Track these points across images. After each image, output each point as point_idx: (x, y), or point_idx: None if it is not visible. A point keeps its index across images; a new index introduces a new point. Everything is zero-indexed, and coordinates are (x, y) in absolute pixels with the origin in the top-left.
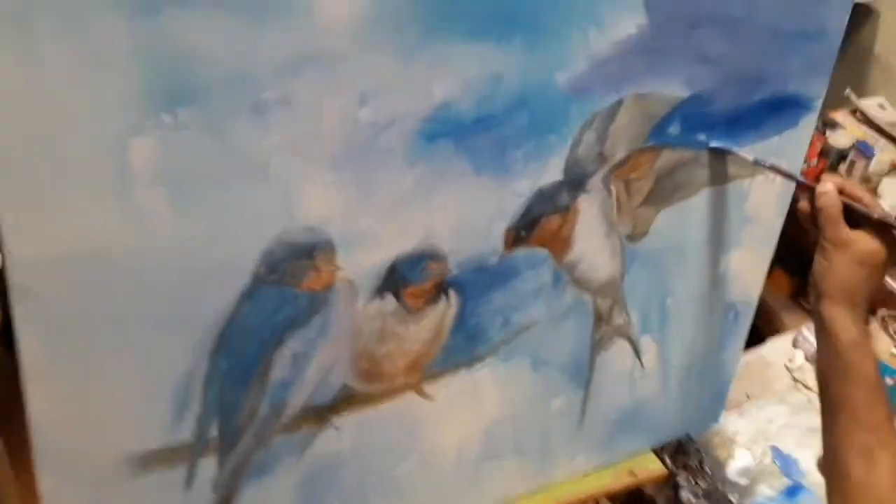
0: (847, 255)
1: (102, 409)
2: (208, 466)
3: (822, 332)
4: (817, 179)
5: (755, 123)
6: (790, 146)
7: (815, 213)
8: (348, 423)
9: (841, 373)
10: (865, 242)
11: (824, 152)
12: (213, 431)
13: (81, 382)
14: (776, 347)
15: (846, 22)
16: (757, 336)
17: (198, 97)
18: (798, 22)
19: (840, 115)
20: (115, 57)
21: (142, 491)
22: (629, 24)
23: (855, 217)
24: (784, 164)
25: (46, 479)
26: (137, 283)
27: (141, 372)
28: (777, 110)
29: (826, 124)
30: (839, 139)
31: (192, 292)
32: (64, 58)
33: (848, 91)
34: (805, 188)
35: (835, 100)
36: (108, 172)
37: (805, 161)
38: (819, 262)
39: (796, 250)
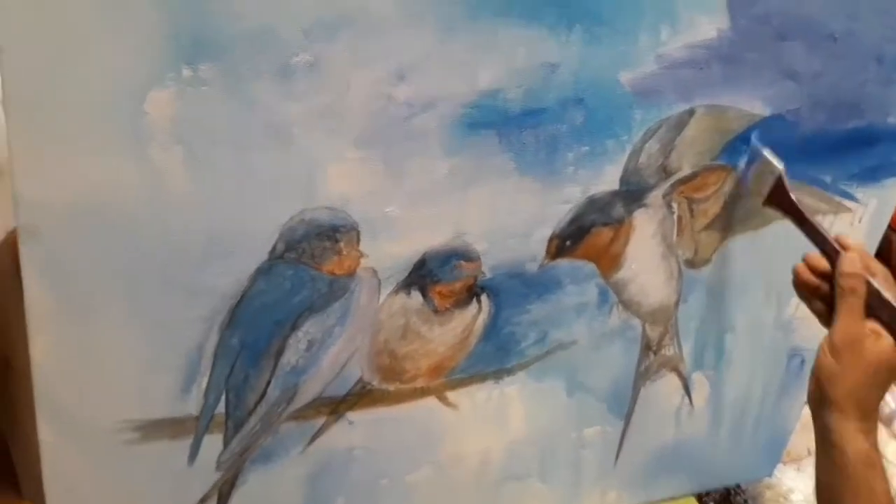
0: (862, 357)
1: (107, 369)
2: (213, 444)
3: (827, 444)
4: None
5: (840, 158)
6: (878, 195)
7: (829, 287)
8: (363, 419)
9: (850, 495)
10: (884, 343)
11: None
12: (220, 408)
13: (86, 338)
14: None
15: None
16: None
17: (221, 53)
18: None
19: None
20: (138, 1)
21: (143, 459)
22: (709, 26)
23: (871, 302)
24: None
25: (45, 432)
26: (148, 241)
27: (149, 336)
28: (868, 146)
29: None
30: None
31: (205, 260)
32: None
33: None
34: (827, 252)
35: None
36: (125, 123)
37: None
38: (825, 360)
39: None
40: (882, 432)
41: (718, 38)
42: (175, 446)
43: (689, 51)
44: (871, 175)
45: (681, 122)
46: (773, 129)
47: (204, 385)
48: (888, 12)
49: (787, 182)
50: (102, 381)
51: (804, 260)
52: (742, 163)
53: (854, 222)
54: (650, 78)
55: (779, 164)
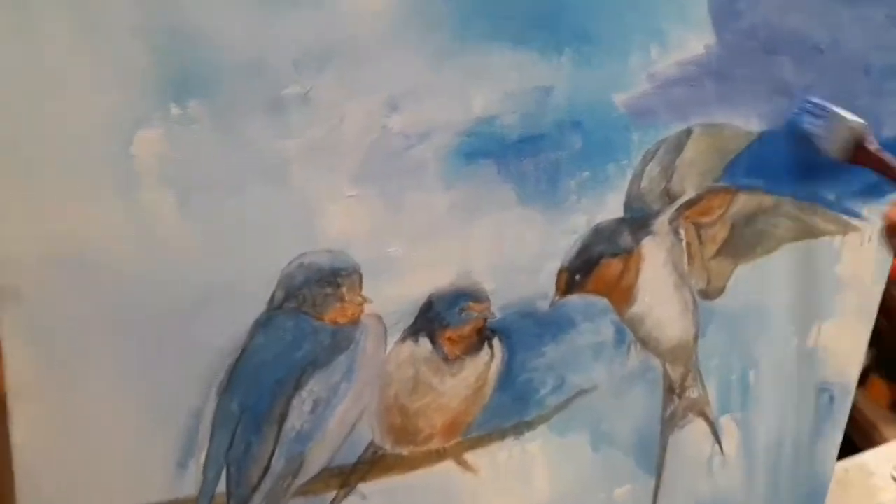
0: None
1: (96, 445)
2: None
3: None
4: None
5: (841, 174)
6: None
7: None
8: (376, 490)
9: None
10: None
11: None
12: (221, 487)
13: (73, 409)
14: (879, 455)
15: None
16: (853, 452)
17: (210, 88)
18: (889, 56)
19: None
20: (120, 33)
21: None
22: (696, 43)
23: None
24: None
25: None
26: (138, 295)
27: (141, 403)
28: None
29: None
30: None
31: (200, 313)
32: (65, 33)
33: None
34: None
35: None
36: (111, 167)
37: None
38: None
39: (895, 354)
40: None
41: (707, 55)
42: None
43: (680, 68)
44: (875, 191)
45: (679, 143)
46: (768, 145)
47: (202, 459)
48: (869, 20)
49: (871, 137)
50: (92, 461)
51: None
52: (808, 122)
53: (864, 242)
54: (644, 98)
55: (860, 120)
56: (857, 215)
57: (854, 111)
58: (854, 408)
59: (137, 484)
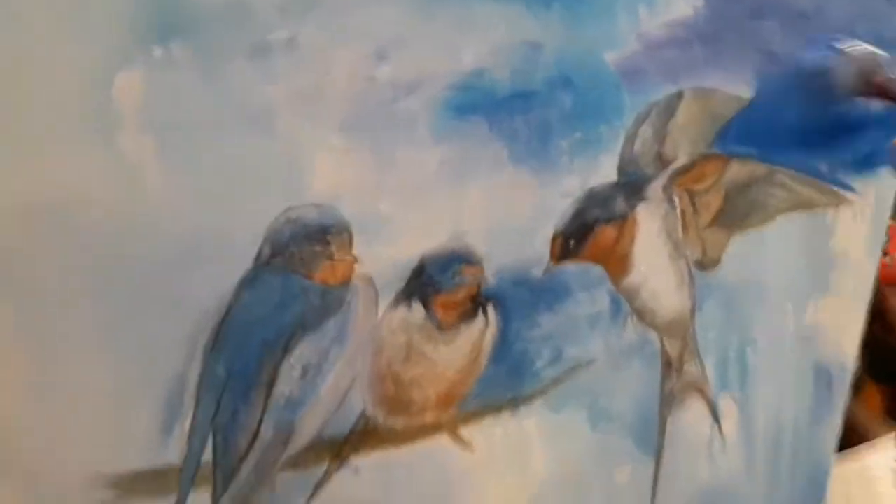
0: None
1: (75, 409)
2: (200, 503)
3: None
4: None
5: (832, 144)
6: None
7: None
8: (369, 465)
9: None
10: None
11: None
12: (207, 456)
13: (51, 370)
14: (877, 448)
15: None
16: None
17: (193, 30)
18: (875, 26)
19: None
20: None
21: None
22: (684, 4)
23: None
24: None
25: (3, 491)
26: (120, 247)
27: (123, 365)
28: (857, 131)
29: None
30: None
31: (184, 268)
32: None
33: None
34: None
35: None
36: (90, 110)
37: (885, 253)
38: None
39: (888, 357)
40: None
41: (695, 16)
42: None
43: (669, 29)
44: (866, 163)
45: (670, 106)
46: (758, 113)
47: (187, 426)
48: None
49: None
50: (71, 425)
51: None
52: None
53: (857, 216)
54: (634, 58)
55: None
56: (849, 188)
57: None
58: (849, 414)
59: (119, 450)
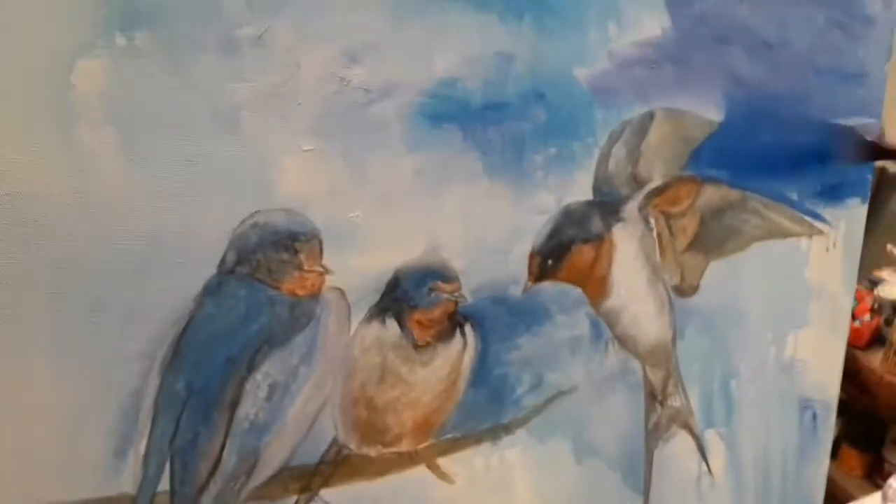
0: None
1: (20, 429)
2: None
3: None
4: (872, 337)
5: (800, 173)
6: (846, 217)
7: None
8: (341, 498)
9: None
10: None
11: (877, 308)
12: (163, 484)
13: None
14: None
15: (885, 68)
16: None
17: (158, 20)
18: (835, 58)
19: (886, 273)
20: None
21: None
22: (652, 24)
23: None
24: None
25: None
26: (76, 246)
27: (74, 379)
28: (824, 162)
29: (872, 282)
30: (891, 291)
31: (143, 273)
32: None
33: (890, 247)
34: None
35: (876, 260)
36: (48, 96)
37: (854, 318)
38: None
39: (865, 423)
40: None
41: (664, 37)
42: None
43: (639, 49)
44: (835, 194)
45: (643, 126)
46: (729, 137)
47: (142, 449)
48: (813, 20)
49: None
50: (14, 448)
51: None
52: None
53: (829, 247)
54: (605, 76)
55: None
56: (819, 218)
57: (810, 111)
58: (829, 481)
59: (68, 476)
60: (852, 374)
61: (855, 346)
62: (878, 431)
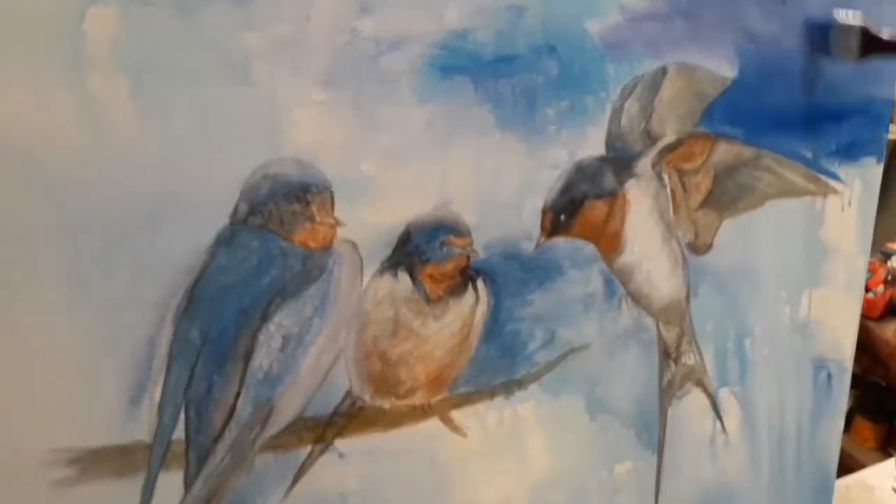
0: None
1: (33, 375)
2: (171, 487)
3: None
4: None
5: (815, 131)
6: (861, 176)
7: None
8: (355, 450)
9: None
10: None
11: (890, 279)
12: (178, 432)
13: (8, 330)
14: (878, 471)
15: None
16: None
17: None
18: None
19: None
20: None
21: None
22: None
23: None
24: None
25: None
26: (87, 196)
27: (87, 327)
28: (839, 120)
29: (886, 254)
30: None
31: (155, 222)
32: None
33: None
34: None
35: (890, 233)
36: (59, 44)
37: (868, 289)
38: None
39: (878, 395)
40: None
41: None
42: (122, 489)
43: (650, 2)
44: (849, 152)
45: (655, 81)
46: (742, 94)
47: (157, 397)
48: None
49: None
50: (29, 395)
51: None
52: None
53: (844, 206)
54: (617, 30)
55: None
56: (834, 176)
57: (818, 66)
58: (842, 452)
59: (81, 423)
60: (866, 346)
61: (868, 318)
62: (892, 403)
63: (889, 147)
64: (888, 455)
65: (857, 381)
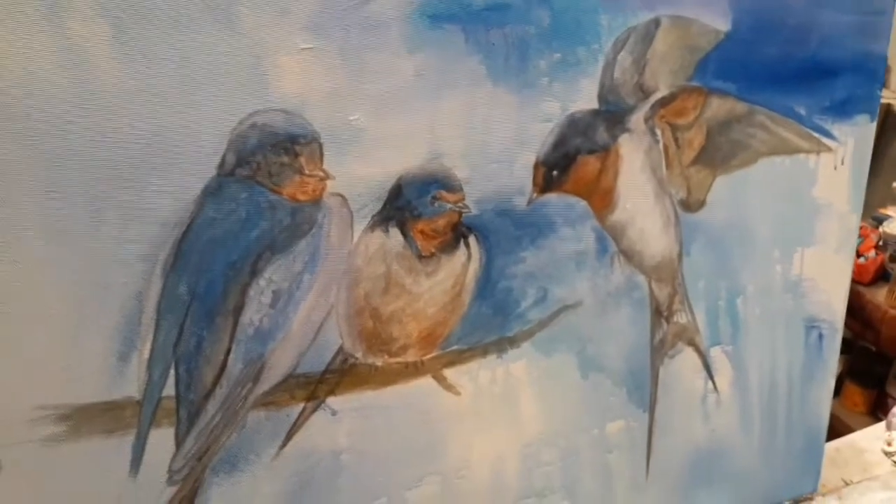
0: None
1: (21, 330)
2: (162, 444)
3: None
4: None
5: (809, 87)
6: (854, 134)
7: None
8: (348, 408)
9: None
10: None
11: (882, 244)
12: (169, 388)
13: None
14: (868, 433)
15: None
16: None
17: None
18: None
19: (892, 210)
20: None
21: (69, 468)
22: None
23: None
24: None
25: None
26: (71, 145)
27: (75, 281)
28: (833, 76)
29: (877, 219)
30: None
31: (141, 173)
32: None
33: (895, 185)
34: None
35: (882, 198)
36: None
37: (859, 254)
38: None
39: (869, 360)
40: None
41: None
42: (112, 447)
43: None
44: (843, 109)
45: (648, 33)
46: (736, 48)
47: (147, 353)
48: None
49: None
50: (15, 349)
51: None
52: None
53: (837, 164)
54: None
55: None
56: (827, 134)
57: (820, 23)
58: (832, 417)
59: (70, 379)
60: (857, 310)
61: (859, 283)
62: (882, 368)
63: (881, 111)
64: (878, 420)
65: (847, 347)
